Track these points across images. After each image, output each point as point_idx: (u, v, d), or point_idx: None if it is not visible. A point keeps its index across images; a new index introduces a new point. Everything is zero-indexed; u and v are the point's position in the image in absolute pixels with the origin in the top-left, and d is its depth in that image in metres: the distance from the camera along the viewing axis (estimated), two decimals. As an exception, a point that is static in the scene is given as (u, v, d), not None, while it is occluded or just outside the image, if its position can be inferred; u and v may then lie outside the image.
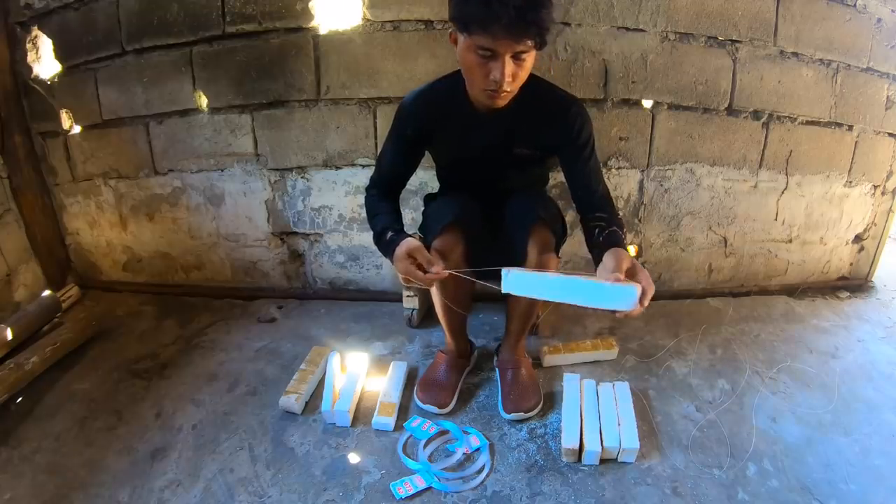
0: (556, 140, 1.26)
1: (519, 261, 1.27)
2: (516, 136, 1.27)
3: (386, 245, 1.19)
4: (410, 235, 1.19)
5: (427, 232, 1.32)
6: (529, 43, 1.03)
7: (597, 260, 1.11)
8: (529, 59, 1.08)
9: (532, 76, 1.16)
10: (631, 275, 1.00)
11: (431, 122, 1.27)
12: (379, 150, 1.76)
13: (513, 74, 1.06)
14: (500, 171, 1.35)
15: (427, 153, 1.38)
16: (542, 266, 1.25)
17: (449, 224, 1.25)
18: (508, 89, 1.09)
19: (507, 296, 1.39)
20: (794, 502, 1.14)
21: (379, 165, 1.36)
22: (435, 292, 1.36)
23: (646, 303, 0.96)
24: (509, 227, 1.31)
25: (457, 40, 1.10)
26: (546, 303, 1.76)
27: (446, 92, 1.26)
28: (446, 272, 1.13)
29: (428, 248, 1.31)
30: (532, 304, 1.37)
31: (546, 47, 1.07)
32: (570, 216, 1.86)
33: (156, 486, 1.21)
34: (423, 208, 1.49)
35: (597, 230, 1.18)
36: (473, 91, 1.16)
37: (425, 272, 1.12)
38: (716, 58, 1.69)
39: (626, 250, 1.07)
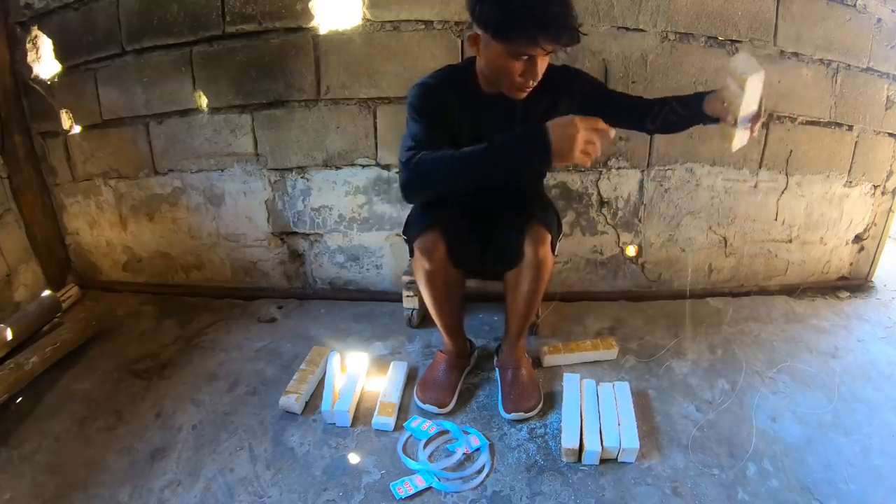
0: (575, 104, 1.31)
1: (514, 261, 1.27)
2: (528, 118, 1.28)
3: (520, 140, 1.05)
4: None
5: (409, 231, 1.33)
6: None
7: (699, 114, 1.24)
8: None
9: None
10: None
11: (444, 105, 1.26)
12: (382, 149, 1.78)
13: (541, 69, 1.14)
14: None
15: None
16: (538, 266, 1.25)
17: (431, 224, 1.26)
18: (536, 82, 1.16)
19: (505, 295, 1.40)
20: (794, 502, 1.15)
21: (411, 141, 1.17)
22: (425, 292, 1.35)
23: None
24: (505, 225, 1.31)
25: (478, 42, 1.14)
26: (546, 303, 1.78)
27: (455, 79, 1.28)
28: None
29: (410, 248, 1.31)
30: (530, 303, 1.36)
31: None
32: (570, 216, 1.87)
33: (156, 486, 1.21)
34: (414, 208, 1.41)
35: (668, 110, 1.28)
36: (503, 87, 1.19)
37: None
38: (716, 58, 1.69)
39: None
